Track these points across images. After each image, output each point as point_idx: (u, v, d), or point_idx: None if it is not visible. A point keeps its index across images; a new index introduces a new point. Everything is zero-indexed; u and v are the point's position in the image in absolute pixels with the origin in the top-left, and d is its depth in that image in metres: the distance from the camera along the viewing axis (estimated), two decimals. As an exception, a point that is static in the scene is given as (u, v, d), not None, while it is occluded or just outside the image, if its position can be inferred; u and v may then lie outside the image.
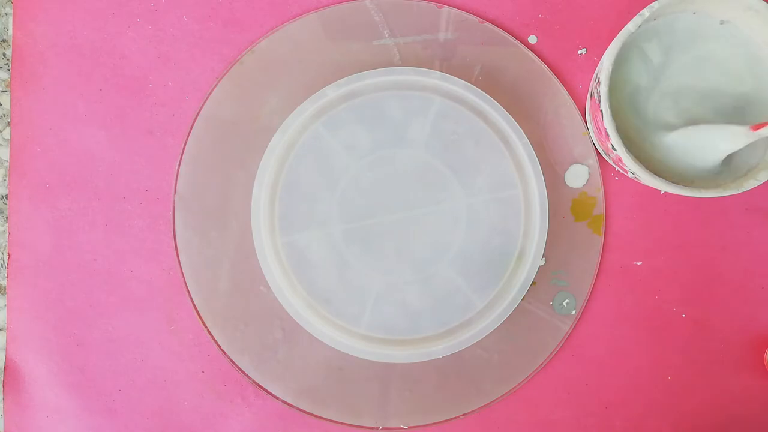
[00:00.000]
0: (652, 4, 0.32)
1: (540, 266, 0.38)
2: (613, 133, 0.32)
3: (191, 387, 0.39)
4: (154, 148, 0.39)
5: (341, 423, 0.39)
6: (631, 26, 0.32)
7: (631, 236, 0.39)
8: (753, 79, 0.34)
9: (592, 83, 0.35)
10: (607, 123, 0.32)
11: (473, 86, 0.37)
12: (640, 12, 0.32)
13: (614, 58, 0.32)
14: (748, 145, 0.32)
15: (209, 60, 0.39)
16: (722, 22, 0.34)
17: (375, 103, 0.37)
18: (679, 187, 0.32)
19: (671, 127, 0.34)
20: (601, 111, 0.33)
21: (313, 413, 0.39)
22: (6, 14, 0.39)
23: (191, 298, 0.39)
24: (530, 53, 0.39)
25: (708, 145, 0.32)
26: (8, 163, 0.39)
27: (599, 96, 0.33)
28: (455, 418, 0.39)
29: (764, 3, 0.32)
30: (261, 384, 0.39)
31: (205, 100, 0.39)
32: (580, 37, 0.39)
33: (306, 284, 0.37)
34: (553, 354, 0.39)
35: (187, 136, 0.39)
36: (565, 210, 0.39)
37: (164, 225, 0.39)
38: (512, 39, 0.39)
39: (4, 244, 0.39)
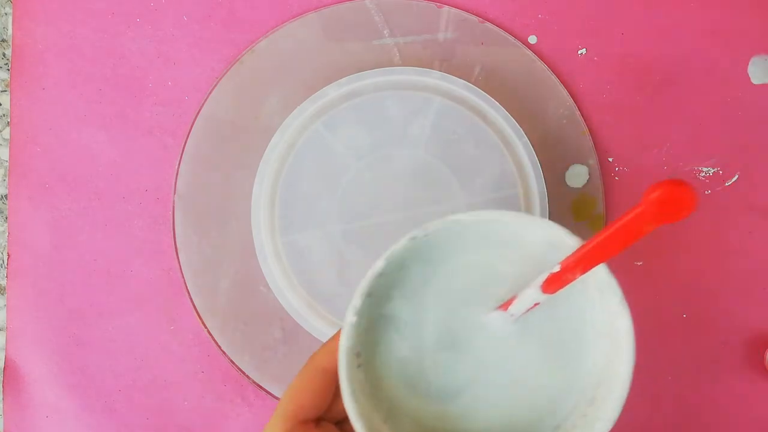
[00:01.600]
0: (373, 275, 0.25)
1: (540, 266, 0.38)
2: None
3: (191, 387, 0.39)
4: (154, 148, 0.39)
5: (341, 423, 0.39)
6: (351, 316, 0.25)
7: (631, 236, 0.39)
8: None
9: None
10: None
11: (473, 86, 0.37)
12: (360, 293, 0.25)
13: (346, 358, 0.25)
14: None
15: (209, 60, 0.39)
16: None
17: (375, 103, 0.37)
18: None
19: (458, 390, 0.27)
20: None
21: (313, 413, 0.38)
22: (6, 14, 0.39)
23: (191, 298, 0.39)
24: (530, 53, 0.39)
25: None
26: (8, 163, 0.39)
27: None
28: (455, 418, 0.39)
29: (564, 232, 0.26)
30: (261, 384, 0.39)
31: (205, 100, 0.39)
32: (580, 37, 0.39)
33: (306, 284, 0.37)
34: (553, 354, 0.39)
35: (187, 136, 0.39)
36: (565, 210, 0.39)
37: (164, 225, 0.39)
38: (512, 39, 0.39)
39: (4, 244, 0.39)
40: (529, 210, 0.37)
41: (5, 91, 0.39)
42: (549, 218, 0.37)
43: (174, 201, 0.39)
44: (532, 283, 0.25)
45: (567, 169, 0.39)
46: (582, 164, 0.39)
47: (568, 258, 0.24)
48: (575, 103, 0.39)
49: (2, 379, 0.39)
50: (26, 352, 0.39)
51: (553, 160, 0.39)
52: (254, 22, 0.39)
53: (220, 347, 0.39)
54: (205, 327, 0.38)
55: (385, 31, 0.39)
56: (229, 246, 0.38)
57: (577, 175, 0.39)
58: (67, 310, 0.39)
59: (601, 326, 0.27)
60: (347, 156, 0.37)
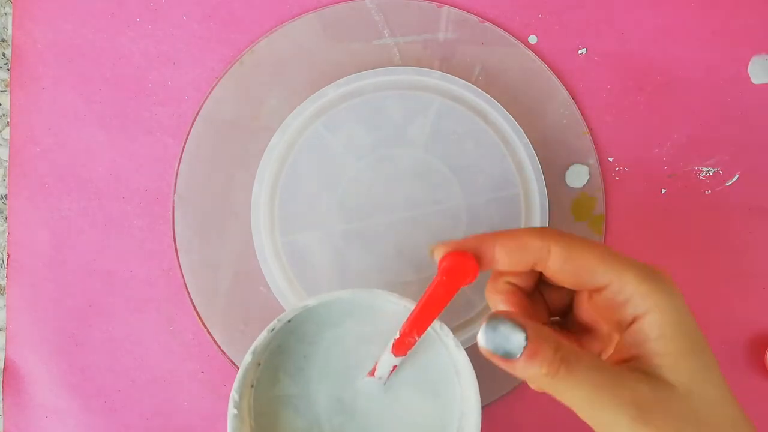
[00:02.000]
0: (250, 358, 0.29)
1: (540, 266, 0.38)
2: None
3: (191, 387, 0.39)
4: (154, 148, 0.39)
5: (341, 423, 0.39)
6: (231, 409, 0.29)
7: (631, 236, 0.39)
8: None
9: None
10: None
11: (473, 86, 0.37)
12: (236, 386, 0.29)
13: None
14: None
15: (209, 60, 0.39)
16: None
17: (375, 103, 0.37)
18: None
19: None
20: None
21: (313, 413, 0.38)
22: (5, 14, 0.39)
23: (191, 298, 0.39)
24: (530, 53, 0.39)
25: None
26: (8, 163, 0.39)
27: None
28: (455, 418, 0.39)
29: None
30: (261, 384, 0.39)
31: (205, 100, 0.39)
32: (580, 37, 0.39)
33: (306, 284, 0.37)
34: (553, 354, 0.39)
35: (187, 136, 0.39)
36: (565, 210, 0.39)
37: (164, 225, 0.39)
38: (512, 39, 0.39)
39: (3, 244, 0.39)
40: (528, 210, 0.37)
41: (5, 91, 0.39)
42: (549, 218, 0.37)
43: (174, 201, 0.39)
44: (385, 350, 0.29)
45: (567, 169, 0.39)
46: (582, 164, 0.39)
47: (403, 325, 0.28)
48: (575, 103, 0.39)
49: (2, 379, 0.39)
50: (26, 352, 0.39)
51: (553, 160, 0.39)
52: (254, 22, 0.39)
53: (220, 347, 0.39)
54: (205, 327, 0.38)
55: (385, 31, 0.39)
56: (229, 246, 0.38)
57: (577, 175, 0.39)
58: (67, 310, 0.39)
59: (454, 365, 0.31)
60: (347, 156, 0.37)
